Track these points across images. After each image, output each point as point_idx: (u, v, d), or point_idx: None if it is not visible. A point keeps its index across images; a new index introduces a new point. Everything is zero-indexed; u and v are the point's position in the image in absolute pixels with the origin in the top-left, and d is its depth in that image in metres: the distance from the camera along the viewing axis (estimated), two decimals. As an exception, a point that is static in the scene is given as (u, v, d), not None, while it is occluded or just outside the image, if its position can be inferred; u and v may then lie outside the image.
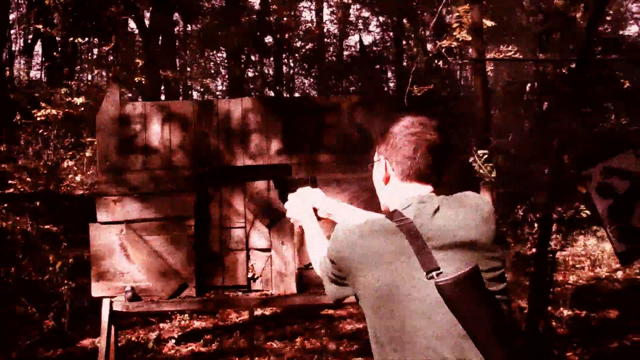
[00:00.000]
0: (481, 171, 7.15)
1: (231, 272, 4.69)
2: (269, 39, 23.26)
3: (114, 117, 4.65)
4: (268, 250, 4.68)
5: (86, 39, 15.99)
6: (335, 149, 4.65)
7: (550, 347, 6.80)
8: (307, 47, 27.57)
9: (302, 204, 2.34)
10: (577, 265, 11.49)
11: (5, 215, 10.02)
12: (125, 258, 4.58)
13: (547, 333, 6.84)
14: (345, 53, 28.98)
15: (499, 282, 1.78)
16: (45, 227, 11.41)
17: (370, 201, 4.61)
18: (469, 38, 9.40)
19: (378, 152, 1.97)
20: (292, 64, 28.66)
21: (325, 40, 27.71)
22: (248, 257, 4.70)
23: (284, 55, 26.29)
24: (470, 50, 10.47)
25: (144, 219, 4.59)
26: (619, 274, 11.11)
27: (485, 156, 7.21)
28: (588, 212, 10.35)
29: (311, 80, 29.52)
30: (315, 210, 2.34)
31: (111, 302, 4.52)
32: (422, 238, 1.72)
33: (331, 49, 28.99)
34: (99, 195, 4.61)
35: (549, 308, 7.07)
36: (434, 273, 1.67)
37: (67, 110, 14.38)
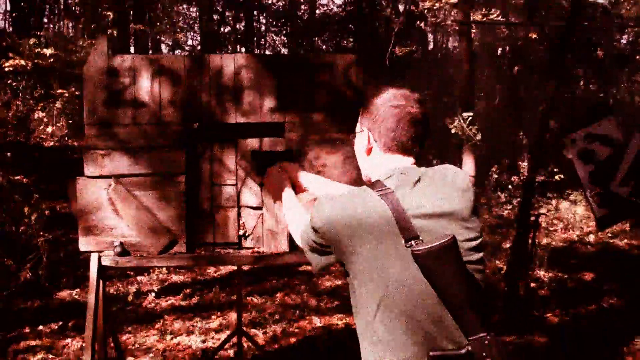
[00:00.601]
0: (466, 133, 7.20)
1: (222, 229, 4.67)
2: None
3: (101, 69, 4.53)
4: (259, 208, 4.66)
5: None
6: (329, 108, 4.61)
7: (531, 309, 6.94)
8: (278, 3, 27.24)
9: (279, 177, 2.47)
10: (550, 228, 11.70)
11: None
12: (113, 213, 4.52)
13: (528, 295, 6.98)
14: (318, 12, 28.70)
15: (476, 252, 1.88)
16: (16, 178, 11.22)
17: (362, 161, 4.61)
18: (454, 0, 9.36)
19: (361, 124, 2.04)
20: (263, 21, 28.30)
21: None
22: (239, 215, 4.67)
23: (255, 12, 25.90)
24: (452, 13, 10.43)
25: (133, 174, 4.52)
26: (591, 237, 11.35)
27: (470, 118, 7.25)
28: (562, 175, 10.51)
29: (282, 37, 29.31)
30: (292, 183, 2.45)
31: (99, 257, 4.48)
32: (403, 208, 1.78)
33: (303, 7, 28.66)
34: (86, 149, 4.52)
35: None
36: (412, 241, 1.75)
37: (36, 61, 14.03)
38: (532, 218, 7.06)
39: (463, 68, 7.94)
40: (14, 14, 16.60)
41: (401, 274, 1.77)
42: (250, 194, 4.68)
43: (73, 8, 16.17)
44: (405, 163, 1.94)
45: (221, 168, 4.67)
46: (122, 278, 8.50)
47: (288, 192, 2.39)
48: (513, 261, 7.11)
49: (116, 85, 4.54)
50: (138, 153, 4.52)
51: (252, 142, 4.67)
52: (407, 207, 1.78)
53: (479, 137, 7.17)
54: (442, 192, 1.85)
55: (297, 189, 2.48)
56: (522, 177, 13.07)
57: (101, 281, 4.51)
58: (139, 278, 8.54)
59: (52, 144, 13.90)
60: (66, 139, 14.25)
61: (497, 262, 9.41)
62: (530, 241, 7.06)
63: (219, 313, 7.18)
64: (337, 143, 4.61)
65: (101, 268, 4.48)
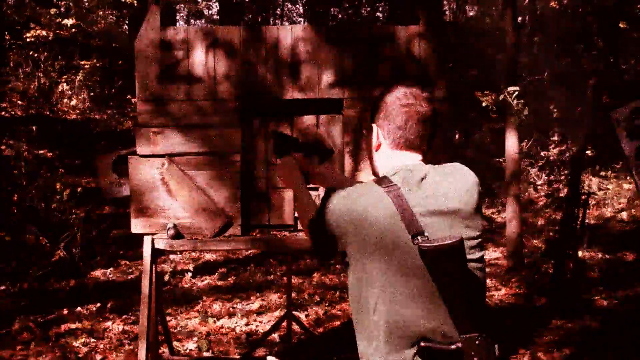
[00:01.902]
0: (514, 108, 6.92)
1: (277, 210, 4.47)
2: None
3: (154, 42, 4.30)
4: (316, 189, 4.43)
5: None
6: (390, 83, 4.34)
7: (579, 292, 6.71)
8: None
9: (292, 167, 2.48)
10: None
11: (6, 140, 9.62)
12: (167, 194, 4.32)
13: (575, 277, 6.74)
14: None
15: (478, 250, 1.91)
16: (40, 152, 11.06)
17: (425, 140, 4.37)
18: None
19: (371, 121, 2.07)
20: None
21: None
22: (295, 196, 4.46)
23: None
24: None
25: (187, 153, 4.31)
26: (624, 215, 11.08)
27: (516, 93, 6.96)
28: (592, 151, 10.20)
29: (299, 7, 28.89)
30: (305, 174, 2.49)
31: (153, 240, 4.29)
32: (408, 204, 1.82)
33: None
34: (138, 126, 4.30)
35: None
36: (419, 237, 1.77)
37: (57, 31, 13.76)
38: (583, 197, 6.80)
39: (507, 40, 7.62)
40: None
41: (403, 268, 1.81)
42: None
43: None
44: (412, 160, 1.97)
45: (277, 146, 4.45)
46: (154, 256, 8.34)
47: (299, 183, 2.42)
48: (561, 241, 6.87)
49: (169, 59, 4.31)
50: (192, 131, 4.30)
51: (309, 120, 4.45)
52: (412, 204, 1.82)
53: (526, 112, 6.89)
54: (447, 190, 1.88)
55: (310, 180, 2.53)
56: (554, 153, 12.81)
57: (154, 265, 4.34)
58: (171, 256, 8.38)
59: (73, 116, 13.69)
60: (88, 112, 14.03)
61: (535, 241, 9.20)
62: (579, 220, 6.82)
63: (257, 294, 7.01)
64: (399, 120, 4.37)
65: (155, 251, 4.29)
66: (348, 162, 4.39)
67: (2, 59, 13.14)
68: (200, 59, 4.31)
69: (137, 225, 4.35)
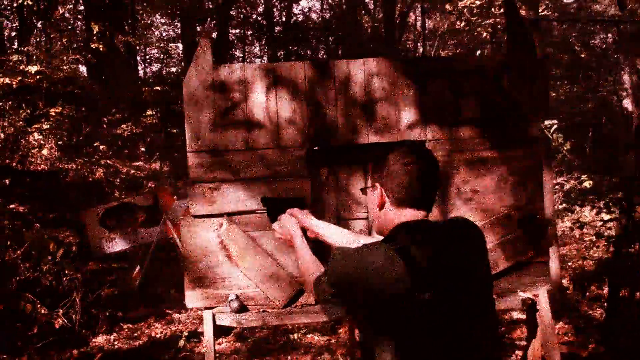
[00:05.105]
0: (553, 144, 6.46)
1: (353, 272, 3.84)
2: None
3: (206, 84, 3.66)
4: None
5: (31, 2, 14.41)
6: (478, 121, 3.81)
7: (637, 334, 6.21)
8: (254, 13, 26.62)
9: (291, 224, 2.50)
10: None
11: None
12: (226, 260, 3.66)
13: (633, 323, 6.24)
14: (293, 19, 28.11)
15: (490, 296, 1.98)
16: (11, 207, 10.20)
17: (519, 185, 3.84)
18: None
19: (373, 179, 2.09)
20: (241, 31, 27.58)
21: (275, 3, 26.81)
22: (373, 254, 3.86)
23: (231, 22, 25.04)
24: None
25: (249, 211, 3.66)
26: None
27: (555, 126, 6.50)
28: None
29: (259, 47, 28.83)
30: (304, 230, 2.50)
31: (214, 315, 3.60)
32: (416, 261, 1.81)
33: (277, 14, 28.04)
34: (191, 182, 3.64)
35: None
36: (426, 294, 1.77)
37: (20, 78, 12.92)
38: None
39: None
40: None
41: (416, 326, 1.79)
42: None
43: (55, 19, 15.09)
44: (416, 217, 1.97)
45: (349, 198, 3.84)
46: (157, 318, 7.58)
47: (300, 240, 2.44)
48: (615, 285, 6.37)
49: (224, 103, 3.67)
50: (254, 184, 3.66)
51: (384, 166, 3.86)
52: (419, 261, 1.81)
53: (567, 146, 6.42)
54: (452, 245, 1.90)
55: (309, 235, 2.51)
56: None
57: (215, 344, 3.65)
58: (175, 316, 7.63)
59: (43, 167, 12.82)
60: (57, 161, 13.16)
61: (564, 281, 8.71)
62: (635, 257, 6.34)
63: (286, 357, 6.30)
64: (489, 163, 3.82)
65: (216, 329, 3.61)
66: (435, 210, 3.80)
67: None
68: (260, 101, 3.69)
69: (192, 299, 3.66)
